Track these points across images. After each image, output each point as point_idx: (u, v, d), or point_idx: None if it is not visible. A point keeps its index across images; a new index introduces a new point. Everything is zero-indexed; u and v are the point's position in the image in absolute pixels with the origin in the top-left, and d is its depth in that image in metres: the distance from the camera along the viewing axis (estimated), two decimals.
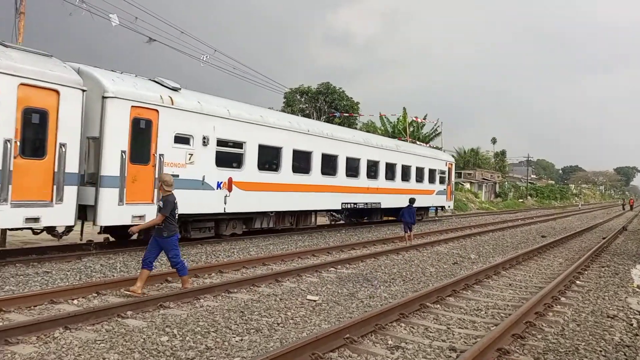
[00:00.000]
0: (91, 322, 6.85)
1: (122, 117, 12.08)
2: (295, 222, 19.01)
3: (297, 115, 36.69)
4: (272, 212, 17.14)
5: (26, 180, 10.32)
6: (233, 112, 15.38)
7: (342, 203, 20.69)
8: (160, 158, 12.99)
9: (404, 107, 52.01)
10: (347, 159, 20.83)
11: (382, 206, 23.77)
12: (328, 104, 48.01)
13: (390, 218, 26.38)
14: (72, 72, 11.28)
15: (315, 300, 8.69)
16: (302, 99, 49.40)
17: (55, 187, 10.80)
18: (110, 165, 11.89)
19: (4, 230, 11.63)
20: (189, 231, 14.70)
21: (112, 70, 12.85)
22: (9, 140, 9.99)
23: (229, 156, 15.43)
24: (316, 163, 18.94)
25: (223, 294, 8.88)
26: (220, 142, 14.88)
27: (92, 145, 11.90)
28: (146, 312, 7.56)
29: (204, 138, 14.16)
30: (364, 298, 9.15)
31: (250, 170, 15.91)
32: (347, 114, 46.26)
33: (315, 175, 18.89)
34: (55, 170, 10.80)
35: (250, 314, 7.65)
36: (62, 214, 10.96)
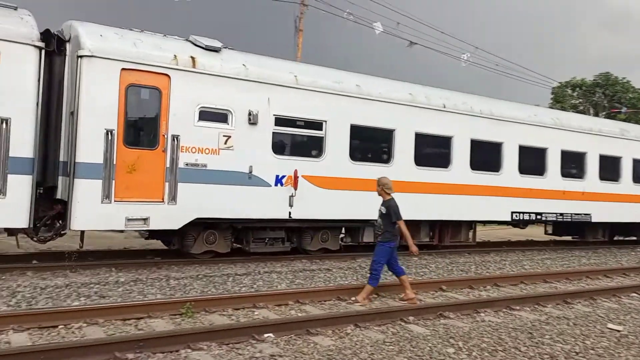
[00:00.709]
0: (377, 323, 6.94)
1: (108, 84, 8.86)
2: (438, 235, 13.59)
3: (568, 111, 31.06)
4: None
5: None
6: (304, 78, 10.99)
7: (513, 212, 14.37)
8: (174, 140, 9.45)
9: None
10: (521, 148, 14.42)
11: (595, 219, 16.37)
12: (608, 98, 40.88)
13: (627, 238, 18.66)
14: (27, 26, 8.44)
15: (619, 331, 7.55)
16: (575, 94, 43.16)
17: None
18: (89, 150, 8.77)
19: None
20: (249, 242, 10.88)
21: (130, 29, 9.78)
22: None
23: (296, 140, 11.14)
24: (460, 152, 13.24)
25: (504, 310, 8.25)
26: (281, 121, 10.68)
27: (71, 123, 8.97)
28: (427, 319, 7.41)
29: (251, 114, 10.16)
30: None
31: (335, 160, 11.32)
32: (635, 109, 38.34)
33: (460, 169, 13.18)
34: None
35: (541, 336, 6.97)
36: (7, 212, 8.20)
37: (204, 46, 10.06)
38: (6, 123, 8.13)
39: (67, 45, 9.18)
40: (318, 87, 11.05)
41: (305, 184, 10.87)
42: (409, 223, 12.46)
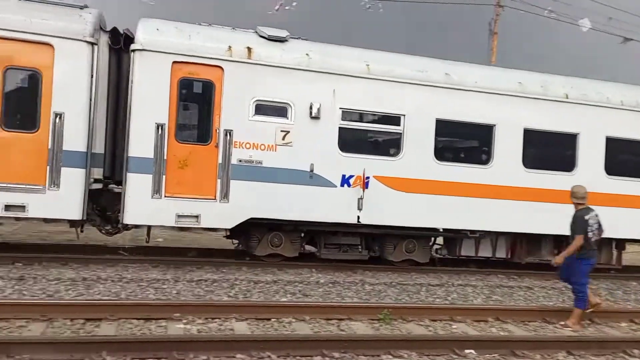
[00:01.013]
0: (594, 352, 6.31)
1: (159, 77, 8.76)
2: (510, 250, 11.20)
3: None
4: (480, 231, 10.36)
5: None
6: (377, 67, 9.79)
7: None
8: (227, 135, 9.03)
9: None
10: None
11: None
12: None
13: None
14: (81, 23, 8.68)
15: None
16: None
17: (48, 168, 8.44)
18: (140, 144, 8.73)
19: None
20: (320, 247, 10.04)
21: (202, 24, 9.66)
22: None
23: (367, 137, 9.95)
24: (589, 152, 10.78)
25: None
26: (349, 114, 9.62)
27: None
28: None
29: (312, 107, 9.31)
30: None
31: (416, 159, 9.88)
32: None
33: (590, 173, 10.68)
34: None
35: None
36: (56, 203, 8.49)
37: (266, 36, 9.50)
38: (60, 117, 8.44)
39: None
40: (395, 76, 9.77)
41: (377, 186, 9.65)
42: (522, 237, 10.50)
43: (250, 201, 9.14)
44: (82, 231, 9.58)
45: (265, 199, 9.21)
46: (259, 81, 9.16)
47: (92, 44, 8.61)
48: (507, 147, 10.30)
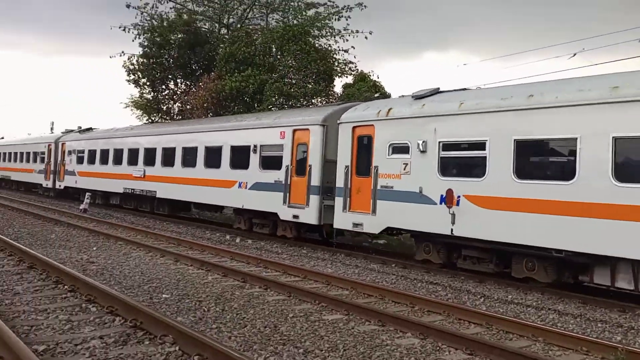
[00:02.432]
0: None
1: (348, 137, 14.18)
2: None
3: None
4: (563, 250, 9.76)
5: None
6: (468, 103, 11.45)
7: None
8: (376, 170, 13.32)
9: None
10: None
11: None
12: None
13: None
14: (319, 116, 15.19)
15: None
16: None
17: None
18: (340, 179, 14.32)
19: None
20: (459, 258, 12.38)
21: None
22: (287, 166, 15.93)
23: (460, 162, 11.55)
24: None
25: None
26: (446, 146, 11.81)
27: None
28: None
29: (420, 144, 12.22)
30: None
31: (497, 178, 10.78)
32: None
33: None
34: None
35: None
36: (309, 215, 15.14)
37: (413, 96, 13.17)
38: (310, 167, 15.19)
39: None
40: (482, 108, 11.24)
41: (466, 204, 11.30)
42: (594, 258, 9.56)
43: (387, 215, 12.97)
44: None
45: (395, 214, 12.78)
46: (393, 130, 13.04)
47: (324, 125, 15.09)
48: (593, 159, 9.44)
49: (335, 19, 30.27)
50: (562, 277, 10.49)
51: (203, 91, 28.39)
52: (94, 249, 13.44)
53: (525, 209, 10.29)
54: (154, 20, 32.49)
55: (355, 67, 30.84)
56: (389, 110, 13.38)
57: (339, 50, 31.02)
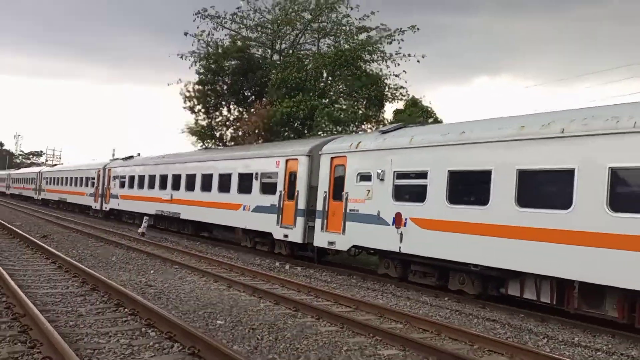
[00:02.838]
0: None
1: (326, 166, 16.18)
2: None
3: None
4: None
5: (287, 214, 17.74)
6: (417, 138, 13.27)
7: None
8: (346, 195, 15.20)
9: None
10: None
11: None
12: None
13: None
14: (307, 147, 17.28)
15: None
16: None
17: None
18: (319, 203, 16.29)
19: None
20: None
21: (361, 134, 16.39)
22: (280, 191, 18.03)
23: (406, 189, 13.38)
24: None
25: None
26: (399, 175, 13.63)
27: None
28: None
29: (379, 173, 14.05)
30: None
31: (434, 203, 12.48)
32: None
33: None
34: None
35: None
36: (295, 234, 17.12)
37: (380, 131, 15.08)
38: (298, 193, 17.23)
39: None
40: (426, 142, 13.05)
41: (411, 225, 13.00)
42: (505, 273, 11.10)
43: (354, 234, 14.79)
44: None
45: (360, 233, 14.59)
46: (360, 161, 14.94)
47: (309, 156, 17.15)
48: (501, 189, 11.07)
49: (387, 43, 30.18)
50: (487, 290, 11.98)
51: (255, 117, 28.96)
52: (152, 272, 14.03)
53: (455, 229, 11.93)
54: (209, 47, 33.48)
55: (406, 92, 30.69)
56: (359, 143, 15.33)
57: (390, 74, 30.72)
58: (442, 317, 10.62)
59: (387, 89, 30.35)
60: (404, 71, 30.62)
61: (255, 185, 19.41)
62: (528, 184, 10.74)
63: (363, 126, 28.60)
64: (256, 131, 28.59)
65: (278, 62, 32.99)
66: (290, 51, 34.27)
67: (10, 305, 8.58)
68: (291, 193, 17.73)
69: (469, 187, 12.27)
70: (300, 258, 17.93)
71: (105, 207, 34.44)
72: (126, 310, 8.88)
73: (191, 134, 35.03)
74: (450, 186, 12.23)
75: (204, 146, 34.10)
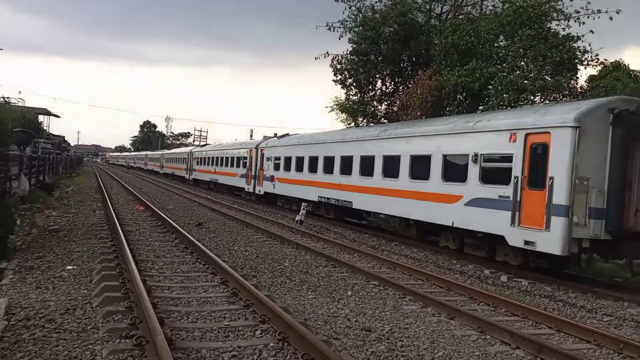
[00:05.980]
0: None
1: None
2: None
3: None
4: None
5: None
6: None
7: None
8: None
9: None
10: None
11: None
12: None
13: None
14: (569, 115, 12.38)
15: None
16: None
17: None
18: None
19: None
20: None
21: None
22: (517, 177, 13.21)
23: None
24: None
25: None
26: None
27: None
28: None
29: None
30: None
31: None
32: None
33: None
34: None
35: None
36: (549, 242, 12.26)
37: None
38: (550, 183, 12.34)
39: None
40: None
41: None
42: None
43: None
44: None
45: None
46: None
47: (575, 127, 12.16)
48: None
49: None
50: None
51: (420, 89, 25.06)
52: (349, 293, 10.46)
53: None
54: (361, 14, 30.18)
55: (596, 55, 25.34)
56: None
57: (576, 36, 25.12)
58: None
59: (577, 53, 25.12)
60: (591, 31, 24.78)
61: (473, 170, 15.04)
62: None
63: (551, 96, 24.25)
64: (423, 104, 24.79)
65: (439, 27, 29.46)
66: (450, 15, 30.80)
67: None
68: (535, 180, 13.00)
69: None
70: (525, 266, 14.00)
71: (259, 191, 32.02)
72: None
73: (341, 111, 32.20)
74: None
75: (354, 124, 31.36)
